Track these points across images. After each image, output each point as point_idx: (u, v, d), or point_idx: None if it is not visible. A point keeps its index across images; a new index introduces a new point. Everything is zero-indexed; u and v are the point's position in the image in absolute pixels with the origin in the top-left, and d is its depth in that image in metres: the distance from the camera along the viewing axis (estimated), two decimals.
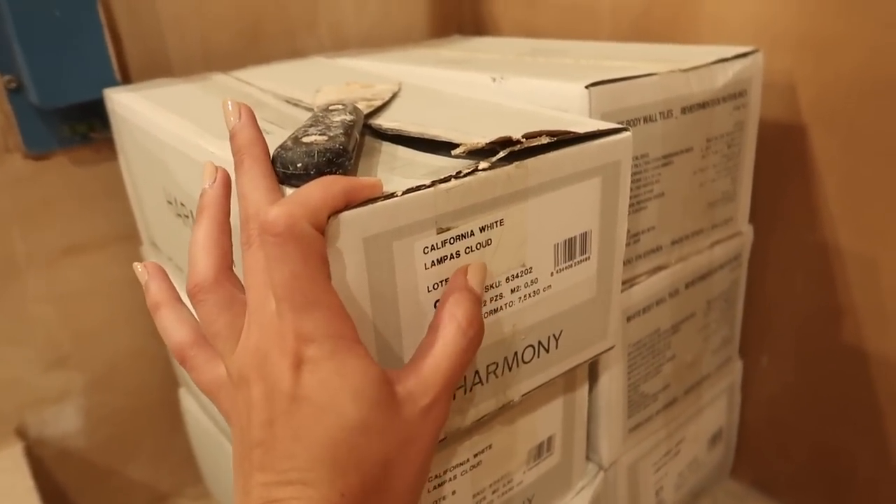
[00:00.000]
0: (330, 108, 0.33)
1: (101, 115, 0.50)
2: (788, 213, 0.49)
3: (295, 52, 0.60)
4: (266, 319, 0.24)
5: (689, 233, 0.44)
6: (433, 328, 0.27)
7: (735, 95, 0.43)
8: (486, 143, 0.28)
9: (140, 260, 0.53)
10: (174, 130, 0.37)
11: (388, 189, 0.26)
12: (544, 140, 0.29)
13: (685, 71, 0.39)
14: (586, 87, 0.35)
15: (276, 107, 0.41)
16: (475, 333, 0.26)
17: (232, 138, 0.27)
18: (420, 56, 0.54)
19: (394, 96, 0.40)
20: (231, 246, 0.28)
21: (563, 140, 0.30)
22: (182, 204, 0.38)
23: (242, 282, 0.26)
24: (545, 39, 0.57)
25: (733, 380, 0.54)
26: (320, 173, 0.26)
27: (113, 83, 0.47)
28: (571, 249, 0.32)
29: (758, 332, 0.54)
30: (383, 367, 0.24)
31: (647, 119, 0.38)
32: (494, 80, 0.40)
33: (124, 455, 0.59)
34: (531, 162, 0.29)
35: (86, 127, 0.50)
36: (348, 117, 0.31)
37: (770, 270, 0.51)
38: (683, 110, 0.40)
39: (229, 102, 0.28)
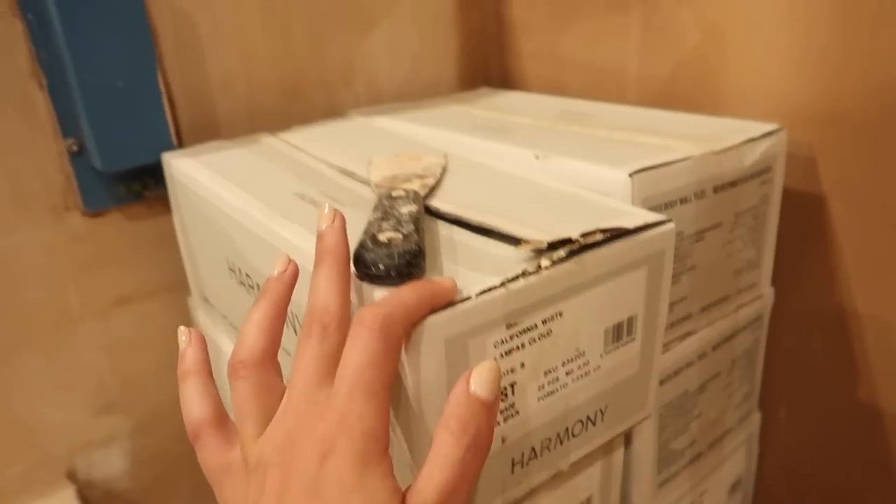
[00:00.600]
0: (393, 194, 0.36)
1: (154, 174, 0.52)
2: (808, 276, 0.52)
3: (332, 106, 0.63)
4: (305, 408, 0.25)
5: (717, 299, 0.47)
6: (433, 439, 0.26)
7: (761, 172, 0.45)
8: (549, 242, 0.30)
9: (187, 311, 0.56)
10: (241, 206, 0.39)
11: (461, 285, 0.28)
12: (599, 237, 0.32)
13: (717, 153, 0.42)
14: (630, 175, 0.38)
15: (333, 178, 0.43)
16: (471, 441, 0.25)
17: (320, 238, 0.30)
18: (455, 117, 0.56)
19: (443, 171, 0.43)
20: (281, 334, 0.30)
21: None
22: (247, 275, 0.41)
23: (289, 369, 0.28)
24: (574, 100, 0.59)
25: (752, 431, 0.57)
26: (401, 274, 0.28)
27: (170, 147, 0.50)
28: (619, 332, 0.35)
29: (776, 385, 0.56)
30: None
31: (683, 200, 0.41)
32: (538, 157, 0.43)
33: (166, 497, 0.61)
34: (588, 258, 0.31)
35: (140, 186, 0.53)
36: (413, 208, 0.34)
37: (789, 329, 0.54)
38: (715, 189, 0.43)
39: (326, 206, 0.30)
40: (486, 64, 0.72)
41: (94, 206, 0.51)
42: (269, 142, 0.52)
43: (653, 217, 0.34)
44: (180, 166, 0.47)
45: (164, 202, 0.54)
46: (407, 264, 0.28)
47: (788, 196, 0.49)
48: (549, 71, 0.66)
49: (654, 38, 0.56)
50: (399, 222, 0.31)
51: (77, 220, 0.51)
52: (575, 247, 0.31)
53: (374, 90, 0.65)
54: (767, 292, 0.51)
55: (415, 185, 0.40)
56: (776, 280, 0.51)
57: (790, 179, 0.49)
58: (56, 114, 0.48)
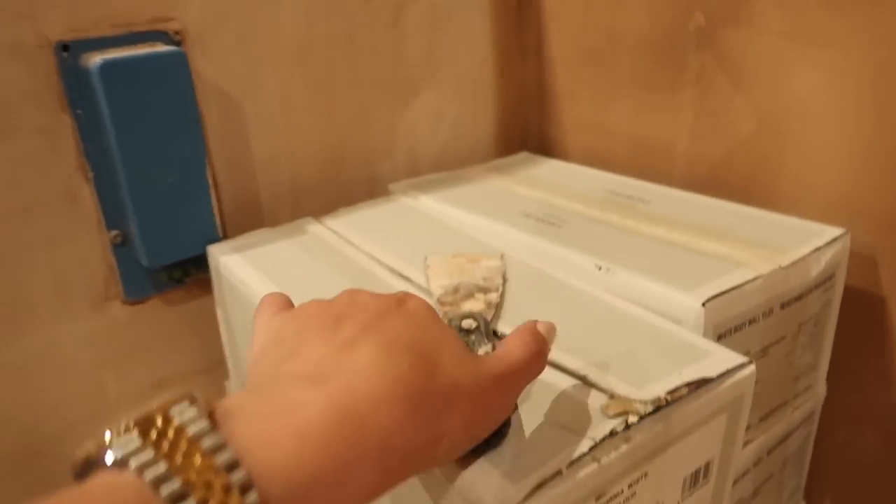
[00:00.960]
0: (463, 325, 0.35)
1: (196, 262, 0.51)
2: (863, 374, 0.51)
3: (372, 177, 0.62)
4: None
5: (775, 406, 0.46)
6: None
7: (825, 280, 0.44)
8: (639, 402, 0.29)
9: (224, 393, 0.55)
10: None
11: (545, 445, 0.27)
12: (684, 392, 0.31)
13: (785, 268, 0.41)
14: (703, 304, 0.37)
15: (386, 280, 0.42)
16: (541, 350, 0.28)
17: None
18: (502, 199, 0.55)
19: (504, 281, 0.42)
20: None
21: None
22: None
23: None
24: (620, 177, 0.58)
25: None
26: (488, 444, 0.27)
27: (215, 238, 0.49)
28: (696, 478, 0.34)
29: (824, 475, 0.55)
30: None
31: (751, 321, 0.40)
32: (600, 269, 0.42)
33: None
34: (674, 415, 0.30)
35: (181, 273, 0.51)
36: (489, 347, 0.33)
37: (841, 424, 0.53)
38: (782, 306, 0.42)
39: None
40: (525, 128, 0.71)
41: (135, 296, 0.50)
42: (315, 230, 0.51)
43: (734, 359, 0.33)
44: (227, 263, 0.46)
45: (203, 284, 0.53)
46: (495, 434, 0.27)
47: (847, 293, 0.48)
48: (592, 140, 0.65)
49: (706, 122, 0.54)
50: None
51: (118, 310, 0.50)
52: (661, 403, 0.30)
53: (414, 158, 0.64)
54: (822, 390, 0.50)
55: (480, 303, 0.39)
56: (830, 376, 0.51)
57: (850, 278, 0.48)
58: (101, 206, 0.47)
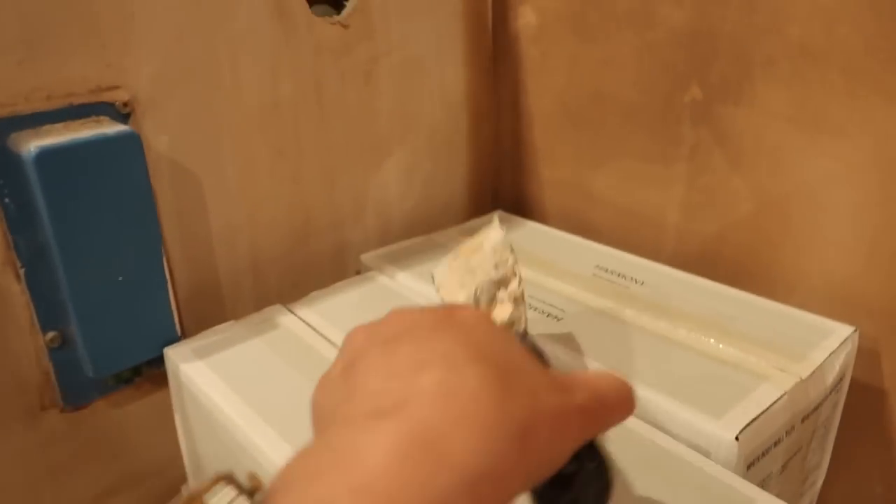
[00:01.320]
0: None
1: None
2: (858, 463, 0.49)
3: (341, 244, 0.56)
4: None
5: None
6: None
7: (838, 382, 0.43)
8: None
9: (179, 496, 0.49)
10: (258, 442, 0.34)
11: None
12: None
13: (805, 381, 0.39)
14: (736, 437, 0.34)
15: None
16: (630, 390, 0.24)
17: None
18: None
19: (516, 262, 0.38)
20: None
21: None
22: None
23: None
24: (607, 249, 0.55)
25: None
26: None
27: (173, 338, 0.43)
28: None
29: None
30: None
31: (777, 443, 0.37)
32: None
33: None
34: None
35: (132, 372, 0.45)
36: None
37: None
38: (803, 420, 0.39)
39: None
40: (498, 185, 0.67)
41: (75, 402, 0.44)
42: (286, 323, 0.45)
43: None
44: (189, 373, 0.40)
45: (156, 380, 0.46)
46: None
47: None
48: (572, 204, 0.61)
49: (699, 197, 0.52)
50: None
51: (55, 419, 0.43)
52: None
53: (385, 221, 0.59)
54: (821, 482, 0.49)
55: (507, 306, 0.35)
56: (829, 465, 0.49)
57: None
58: (35, 306, 0.40)
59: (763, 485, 0.38)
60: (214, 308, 0.49)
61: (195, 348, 0.42)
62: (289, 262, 0.53)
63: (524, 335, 0.30)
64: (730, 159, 0.49)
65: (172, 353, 0.42)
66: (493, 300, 0.36)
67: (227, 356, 0.42)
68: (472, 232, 0.61)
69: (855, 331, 0.43)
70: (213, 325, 0.45)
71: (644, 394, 0.38)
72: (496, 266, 0.37)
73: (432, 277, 0.40)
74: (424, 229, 0.60)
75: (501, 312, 0.35)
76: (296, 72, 0.49)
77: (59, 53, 0.38)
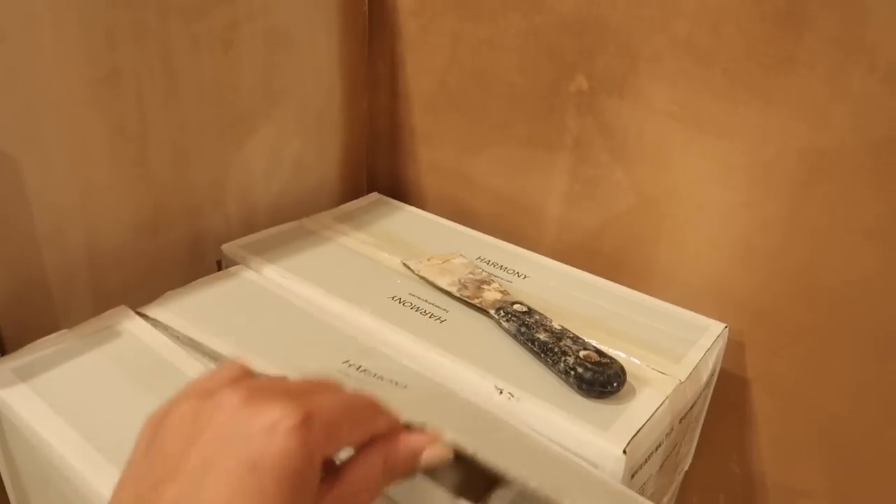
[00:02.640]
0: (517, 308, 0.28)
1: None
2: (720, 447, 0.52)
3: (198, 235, 0.50)
4: None
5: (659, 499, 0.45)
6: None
7: (710, 378, 0.44)
8: None
9: None
10: (97, 486, 0.29)
11: None
12: None
13: (683, 383, 0.39)
14: (624, 451, 0.33)
15: None
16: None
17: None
18: (362, 271, 0.48)
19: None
20: None
21: None
22: None
23: None
24: (485, 238, 0.53)
25: None
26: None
27: None
28: None
29: None
30: None
31: (658, 447, 0.37)
32: (501, 392, 0.37)
33: None
34: None
35: None
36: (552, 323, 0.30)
37: (697, 489, 0.54)
38: (680, 420, 0.40)
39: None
40: (374, 167, 0.63)
41: None
42: (132, 329, 0.39)
43: None
44: (10, 401, 0.34)
45: None
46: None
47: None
48: (451, 189, 0.59)
49: (582, 189, 0.51)
50: (572, 339, 0.39)
51: None
52: None
53: (249, 206, 0.54)
54: (688, 465, 0.51)
55: (495, 292, 0.44)
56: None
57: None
58: None
59: (643, 487, 0.38)
60: (41, 314, 0.42)
61: (16, 367, 0.35)
62: (134, 257, 0.46)
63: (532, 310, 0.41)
64: (613, 152, 0.49)
65: None
66: (479, 287, 0.45)
67: (57, 376, 0.35)
68: (346, 216, 0.56)
69: (726, 327, 0.45)
70: (40, 335, 0.38)
71: (530, 406, 0.36)
72: (471, 273, 0.47)
73: (406, 265, 0.48)
74: (293, 215, 0.55)
75: (492, 295, 0.44)
76: (137, 36, 0.42)
77: None
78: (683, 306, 0.46)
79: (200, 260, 0.51)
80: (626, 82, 0.46)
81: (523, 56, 0.50)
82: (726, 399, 0.50)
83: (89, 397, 0.34)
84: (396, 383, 0.37)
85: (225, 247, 0.49)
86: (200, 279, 0.45)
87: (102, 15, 0.40)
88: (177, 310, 0.41)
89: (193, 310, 0.41)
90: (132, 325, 0.40)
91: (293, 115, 0.54)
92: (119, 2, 0.40)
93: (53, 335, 0.38)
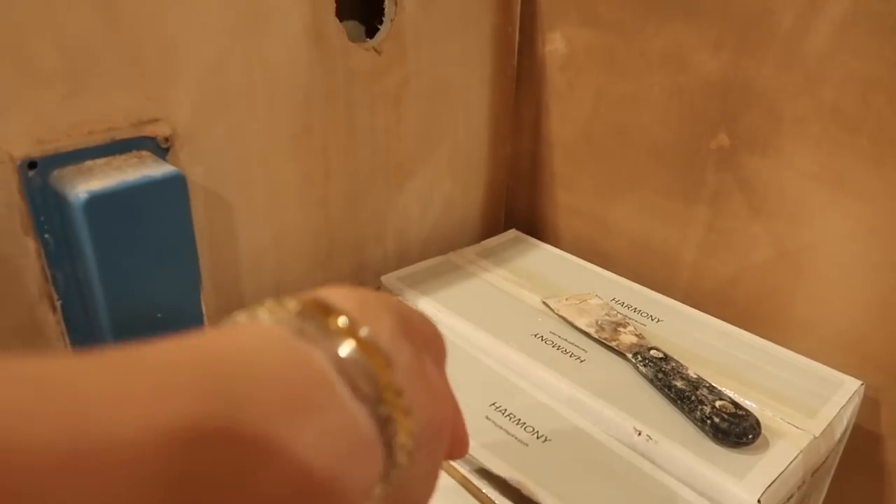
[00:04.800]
0: (653, 354, 0.44)
1: None
2: (850, 502, 0.52)
3: (360, 265, 0.57)
4: None
5: None
6: None
7: (843, 433, 0.45)
8: None
9: None
10: None
11: None
12: None
13: (818, 438, 0.41)
14: (758, 501, 0.36)
15: None
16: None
17: None
18: (508, 310, 0.52)
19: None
20: None
21: None
22: None
23: None
24: (620, 280, 0.57)
25: None
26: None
27: None
28: None
29: None
30: None
31: (789, 499, 0.39)
32: (640, 433, 0.40)
33: None
34: None
35: None
36: (687, 371, 0.31)
37: None
38: (812, 474, 0.42)
39: None
40: (513, 205, 0.68)
41: None
42: None
43: None
44: None
45: None
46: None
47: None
48: (587, 231, 0.62)
49: (718, 239, 0.53)
50: (708, 389, 0.42)
51: None
52: None
53: (403, 241, 0.60)
54: None
55: (631, 336, 0.47)
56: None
57: None
58: (69, 339, 0.40)
59: None
60: None
61: None
62: (310, 285, 0.53)
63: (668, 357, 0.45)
64: (751, 206, 0.51)
65: None
66: (616, 331, 0.48)
67: None
68: (488, 252, 0.62)
69: (862, 384, 0.46)
70: None
71: (668, 449, 0.39)
72: (607, 314, 0.50)
73: (546, 304, 0.52)
74: (440, 249, 0.61)
75: (627, 338, 0.47)
76: (329, 99, 0.49)
77: (100, 87, 0.38)
78: (817, 360, 0.48)
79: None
80: (769, 142, 0.48)
81: (666, 112, 0.53)
82: (858, 454, 0.51)
83: None
84: (538, 435, 0.41)
85: (384, 278, 0.56)
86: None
87: (302, 81, 0.47)
88: None
89: None
90: None
91: (446, 159, 0.60)
92: (316, 70, 0.47)
93: None
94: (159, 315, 0.40)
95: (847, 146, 0.45)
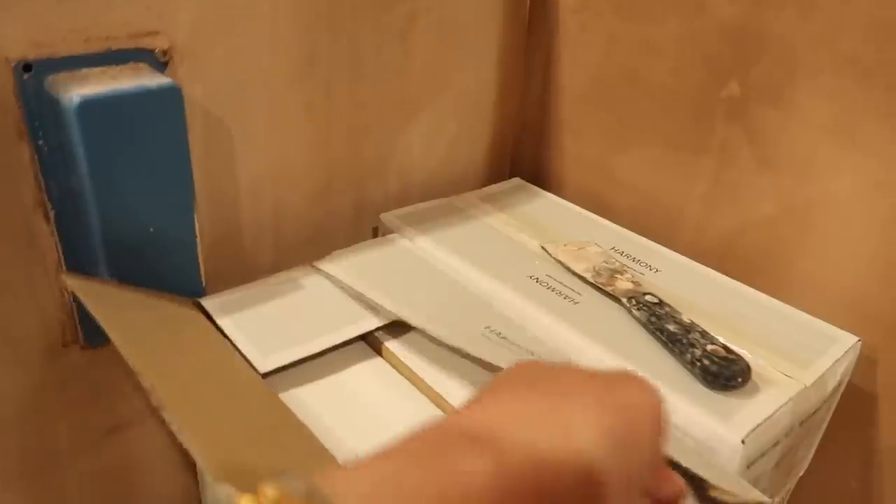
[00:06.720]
0: (648, 299, 0.33)
1: None
2: (840, 459, 0.52)
3: (360, 202, 0.56)
4: None
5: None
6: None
7: (836, 388, 0.44)
8: None
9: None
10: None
11: None
12: None
13: (808, 388, 0.40)
14: (743, 441, 0.36)
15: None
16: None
17: None
18: (506, 252, 0.52)
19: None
20: None
21: None
22: None
23: None
24: (621, 230, 0.56)
25: None
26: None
27: (198, 293, 0.43)
28: None
29: None
30: None
31: (775, 444, 0.39)
32: None
33: None
34: None
35: None
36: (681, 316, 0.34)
37: (811, 498, 0.55)
38: (801, 423, 0.41)
39: None
40: (518, 154, 0.67)
41: (96, 342, 0.44)
42: (316, 282, 0.46)
43: None
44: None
45: None
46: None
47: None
48: (592, 182, 0.62)
49: (723, 192, 0.53)
50: (701, 333, 0.41)
51: (75, 356, 0.44)
52: None
53: (405, 182, 0.59)
54: (803, 471, 0.52)
55: (627, 282, 0.47)
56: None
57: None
58: (62, 248, 0.40)
59: (757, 480, 0.40)
60: (234, 262, 0.49)
61: (221, 305, 0.43)
62: (309, 219, 0.53)
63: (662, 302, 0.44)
64: (759, 159, 0.50)
65: (209, 305, 0.42)
66: (612, 277, 0.48)
67: (255, 318, 0.42)
68: (490, 197, 0.61)
69: (859, 341, 0.45)
70: (232, 279, 0.45)
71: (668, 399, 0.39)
72: (605, 261, 0.50)
73: (544, 248, 0.52)
74: (442, 193, 0.60)
75: (624, 284, 0.47)
76: (334, 28, 0.48)
77: None
78: (817, 316, 0.47)
79: (359, 226, 0.57)
80: (782, 93, 0.47)
81: (677, 59, 0.52)
82: (852, 412, 0.50)
83: (278, 330, 0.41)
84: (532, 353, 0.41)
85: (383, 216, 0.55)
86: (362, 243, 0.51)
87: (306, 7, 0.46)
88: (344, 266, 0.47)
89: (358, 267, 0.47)
90: (312, 278, 0.46)
91: (452, 101, 0.59)
92: None
93: (250, 286, 0.45)
94: (151, 230, 0.39)
95: (860, 99, 0.43)
